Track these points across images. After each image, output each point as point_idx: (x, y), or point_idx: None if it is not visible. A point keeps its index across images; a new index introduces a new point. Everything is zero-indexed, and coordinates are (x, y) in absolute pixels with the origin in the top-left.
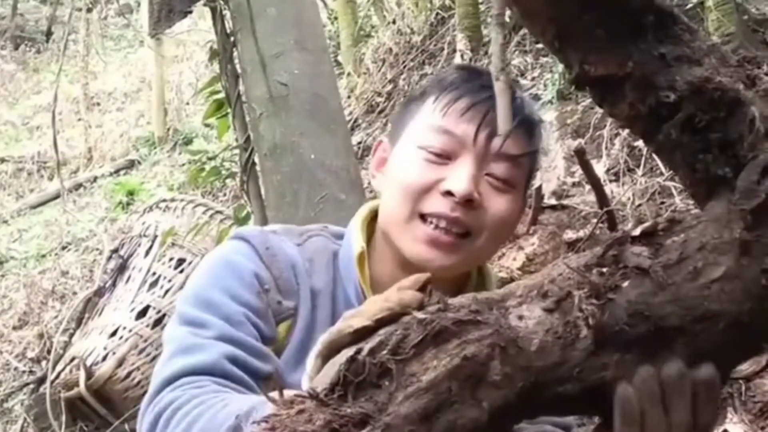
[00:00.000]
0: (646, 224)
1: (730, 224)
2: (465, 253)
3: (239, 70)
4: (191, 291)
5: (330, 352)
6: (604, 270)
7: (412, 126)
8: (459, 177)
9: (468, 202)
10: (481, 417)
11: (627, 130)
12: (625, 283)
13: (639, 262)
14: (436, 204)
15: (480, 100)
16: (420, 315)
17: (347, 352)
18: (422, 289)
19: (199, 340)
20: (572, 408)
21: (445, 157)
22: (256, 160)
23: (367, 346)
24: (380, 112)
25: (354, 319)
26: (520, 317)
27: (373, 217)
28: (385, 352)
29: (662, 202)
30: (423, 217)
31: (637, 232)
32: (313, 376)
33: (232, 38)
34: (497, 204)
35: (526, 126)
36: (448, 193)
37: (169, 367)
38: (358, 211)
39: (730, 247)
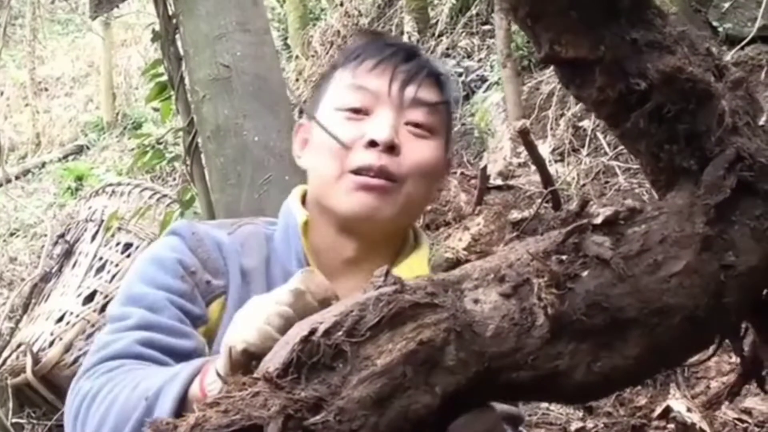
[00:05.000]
0: (608, 213)
1: (692, 218)
2: (397, 197)
3: (182, 52)
4: (120, 291)
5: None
6: (564, 258)
7: (326, 97)
8: (379, 126)
9: (390, 149)
10: (433, 403)
11: (572, 111)
12: (585, 273)
13: (600, 252)
14: (361, 157)
15: (386, 55)
16: (377, 295)
17: (300, 332)
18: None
19: (115, 335)
20: (524, 395)
21: (363, 112)
22: (200, 142)
23: (322, 326)
24: None
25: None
26: (476, 301)
27: (306, 197)
28: (340, 333)
29: (606, 182)
30: (352, 172)
31: (598, 220)
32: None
33: (174, 20)
34: (418, 149)
35: (435, 77)
36: (372, 144)
37: (85, 363)
38: (292, 191)
39: (691, 242)
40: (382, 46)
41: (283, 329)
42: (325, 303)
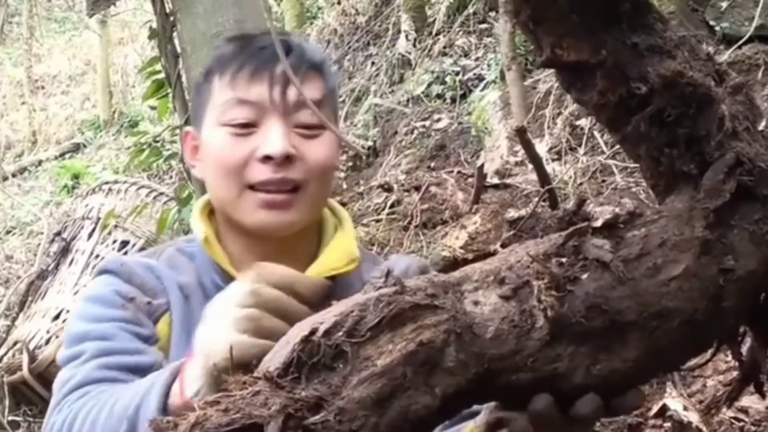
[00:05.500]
0: (607, 216)
1: (691, 222)
2: (302, 204)
3: (179, 50)
4: (65, 336)
5: None
6: (564, 260)
7: (209, 109)
8: (271, 139)
9: (287, 160)
10: (433, 403)
11: (569, 110)
12: (585, 275)
13: (600, 255)
14: (258, 173)
15: (262, 60)
16: (377, 296)
17: (301, 332)
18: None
19: (73, 371)
20: (522, 397)
21: (250, 126)
22: None
23: (323, 326)
24: None
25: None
26: (476, 303)
27: (213, 206)
28: (340, 333)
29: (603, 180)
30: (251, 187)
31: (598, 223)
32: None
33: (171, 18)
34: (314, 150)
35: (316, 68)
36: (267, 158)
37: (51, 403)
38: (194, 205)
39: (691, 245)
40: (255, 50)
41: (259, 330)
42: (289, 288)
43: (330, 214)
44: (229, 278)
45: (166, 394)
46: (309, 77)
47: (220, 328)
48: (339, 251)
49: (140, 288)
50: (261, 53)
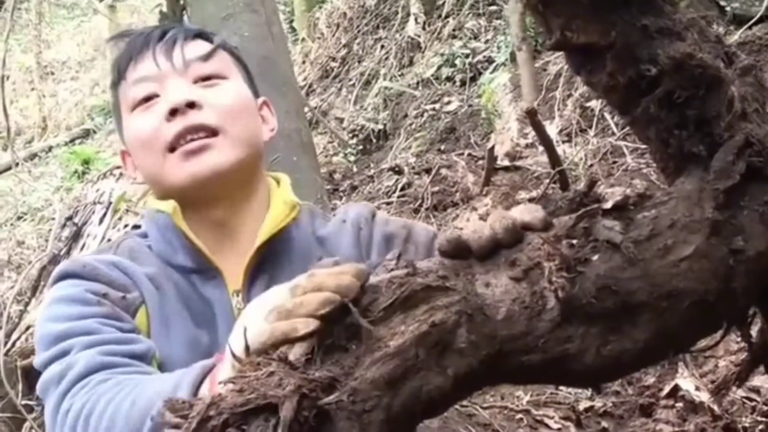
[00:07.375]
0: (618, 198)
1: (701, 203)
2: (223, 145)
3: None
4: (38, 341)
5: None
6: (574, 242)
7: (123, 112)
8: (171, 94)
9: (192, 106)
10: (445, 384)
11: (579, 91)
12: (595, 257)
13: (610, 237)
14: (171, 129)
15: (142, 43)
16: (389, 278)
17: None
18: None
19: (67, 361)
20: (534, 378)
21: (153, 97)
22: None
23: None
24: (335, 77)
25: (296, 319)
26: (487, 284)
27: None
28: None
29: (614, 162)
30: (172, 150)
31: (608, 205)
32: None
33: (181, 1)
34: (219, 96)
35: (198, 36)
36: (173, 112)
37: (56, 392)
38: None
39: (701, 226)
40: (134, 39)
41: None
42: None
43: (275, 184)
44: (195, 252)
45: (196, 392)
46: (190, 43)
47: (251, 322)
48: (280, 203)
49: (110, 285)
50: (139, 39)
